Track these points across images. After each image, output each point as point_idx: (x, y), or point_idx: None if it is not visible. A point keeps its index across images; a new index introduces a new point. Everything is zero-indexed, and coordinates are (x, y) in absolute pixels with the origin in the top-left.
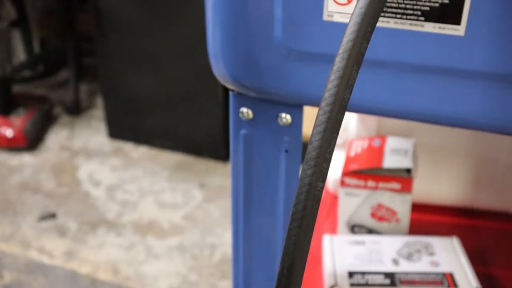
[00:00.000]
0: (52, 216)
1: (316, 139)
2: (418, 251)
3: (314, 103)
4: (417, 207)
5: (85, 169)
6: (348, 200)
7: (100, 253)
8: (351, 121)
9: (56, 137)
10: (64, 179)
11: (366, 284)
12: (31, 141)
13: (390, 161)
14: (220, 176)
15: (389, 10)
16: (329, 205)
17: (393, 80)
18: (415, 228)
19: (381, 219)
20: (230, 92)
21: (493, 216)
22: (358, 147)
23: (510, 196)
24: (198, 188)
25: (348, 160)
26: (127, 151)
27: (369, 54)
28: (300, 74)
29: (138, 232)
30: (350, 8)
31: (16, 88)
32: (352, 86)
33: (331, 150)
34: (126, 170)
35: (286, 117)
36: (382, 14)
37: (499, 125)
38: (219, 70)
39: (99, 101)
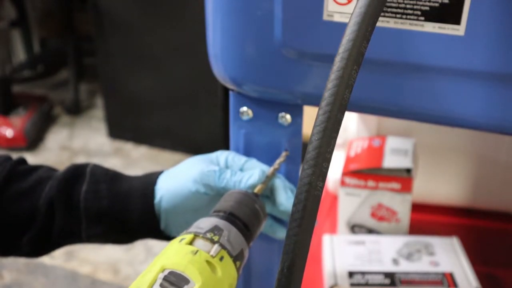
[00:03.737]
0: None
1: (316, 138)
2: (418, 251)
3: (314, 102)
4: (417, 207)
5: None
6: (348, 200)
7: (100, 253)
8: (351, 121)
9: (56, 137)
10: None
11: (366, 284)
12: (31, 141)
13: (390, 161)
14: None
15: (389, 10)
16: (329, 205)
17: (393, 80)
18: (415, 228)
19: (381, 219)
20: (230, 92)
21: (493, 216)
22: (358, 147)
23: (510, 196)
24: None
25: (348, 160)
26: (127, 151)
27: (369, 54)
28: (300, 74)
29: None
30: (350, 8)
31: (16, 88)
32: (352, 85)
33: (331, 150)
34: (126, 170)
35: (286, 117)
36: (382, 14)
37: (499, 125)
38: (219, 70)
39: (99, 101)
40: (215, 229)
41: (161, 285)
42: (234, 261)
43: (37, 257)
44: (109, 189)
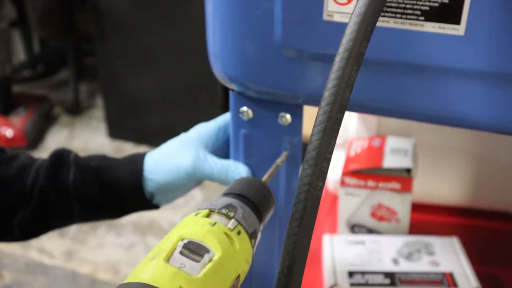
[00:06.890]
0: None
1: (316, 138)
2: (418, 250)
3: (314, 102)
4: (417, 207)
5: None
6: (348, 200)
7: (100, 253)
8: (351, 121)
9: (56, 137)
10: None
11: (366, 284)
12: (31, 141)
13: (390, 161)
14: None
15: (389, 9)
16: (329, 205)
17: (393, 80)
18: (415, 228)
19: (381, 219)
20: (230, 92)
21: (493, 216)
22: (358, 147)
23: (510, 196)
24: (198, 188)
25: (348, 160)
26: (127, 151)
27: (369, 53)
28: (300, 74)
29: (138, 232)
30: (350, 7)
31: (16, 88)
32: (352, 85)
33: (331, 150)
34: None
35: (286, 117)
36: (382, 13)
37: (499, 125)
38: (219, 70)
39: (99, 101)
40: (229, 206)
41: (181, 252)
42: (250, 238)
43: (26, 240)
44: (96, 180)
